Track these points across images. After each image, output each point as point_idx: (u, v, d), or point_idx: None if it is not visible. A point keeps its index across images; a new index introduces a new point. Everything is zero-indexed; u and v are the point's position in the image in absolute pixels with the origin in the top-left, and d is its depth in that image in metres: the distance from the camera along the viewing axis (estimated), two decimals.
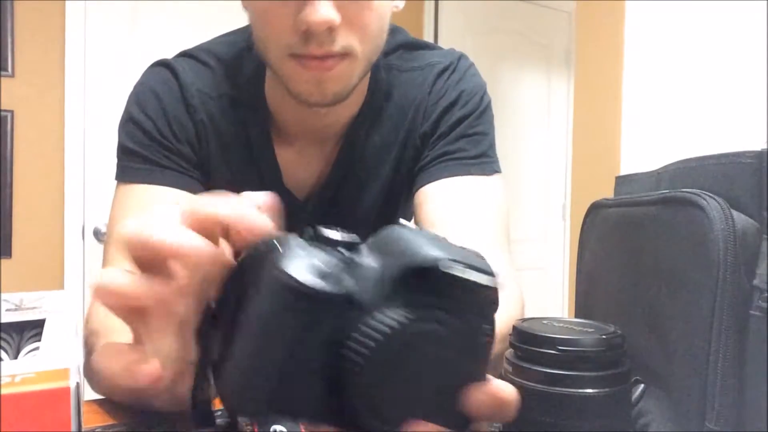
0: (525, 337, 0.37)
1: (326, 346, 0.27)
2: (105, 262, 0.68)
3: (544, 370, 0.35)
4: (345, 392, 0.27)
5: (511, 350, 0.39)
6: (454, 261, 0.28)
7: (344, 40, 0.62)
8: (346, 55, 0.63)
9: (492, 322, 0.29)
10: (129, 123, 0.72)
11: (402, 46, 0.78)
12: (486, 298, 0.28)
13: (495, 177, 0.74)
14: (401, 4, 0.70)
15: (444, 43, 3.06)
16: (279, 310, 0.27)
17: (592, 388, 0.35)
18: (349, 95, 0.68)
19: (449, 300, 0.28)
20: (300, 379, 0.28)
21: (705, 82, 2.06)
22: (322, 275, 0.27)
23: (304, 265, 0.27)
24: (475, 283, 0.28)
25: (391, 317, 0.27)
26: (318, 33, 0.59)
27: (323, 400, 0.28)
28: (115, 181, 0.73)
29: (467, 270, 0.28)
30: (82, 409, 0.34)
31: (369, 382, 0.27)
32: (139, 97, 0.73)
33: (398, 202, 0.82)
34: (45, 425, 0.30)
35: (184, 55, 0.76)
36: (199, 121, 0.73)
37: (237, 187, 0.80)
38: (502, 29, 3.37)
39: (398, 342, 0.27)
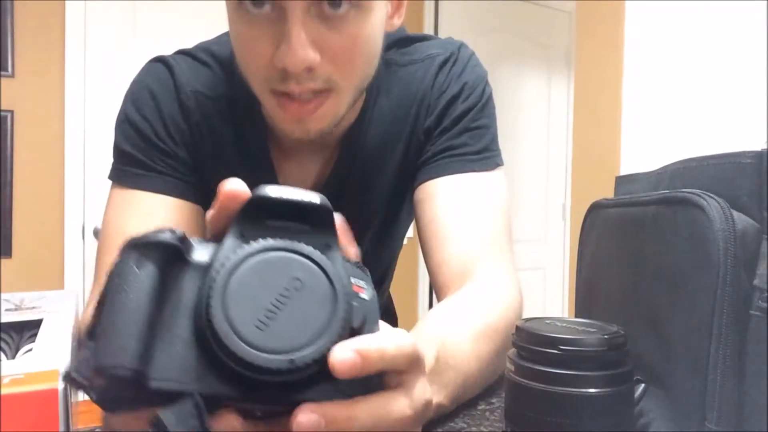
0: (528, 337, 0.37)
1: (194, 310, 0.29)
2: (101, 270, 0.66)
3: (547, 369, 0.36)
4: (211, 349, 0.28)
5: (513, 350, 0.39)
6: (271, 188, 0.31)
7: (326, 74, 0.58)
8: (329, 90, 0.60)
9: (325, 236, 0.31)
10: (125, 123, 0.70)
11: (399, 41, 0.76)
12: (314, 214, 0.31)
13: (497, 171, 0.73)
14: (398, 22, 0.68)
15: None
16: (130, 266, 0.28)
17: (595, 388, 0.35)
18: (336, 125, 0.65)
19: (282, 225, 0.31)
20: (172, 344, 0.28)
21: (705, 82, 2.06)
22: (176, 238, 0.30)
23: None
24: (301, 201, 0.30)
25: (224, 254, 0.29)
26: (296, 73, 0.57)
27: (205, 367, 0.28)
28: (109, 182, 0.71)
29: (284, 189, 0.31)
30: (71, 410, 0.34)
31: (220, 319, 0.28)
32: (135, 96, 0.71)
33: (404, 198, 0.80)
34: (33, 426, 0.30)
35: (183, 53, 0.74)
36: (194, 124, 0.71)
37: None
38: (502, 29, 3.37)
39: (235, 273, 0.28)
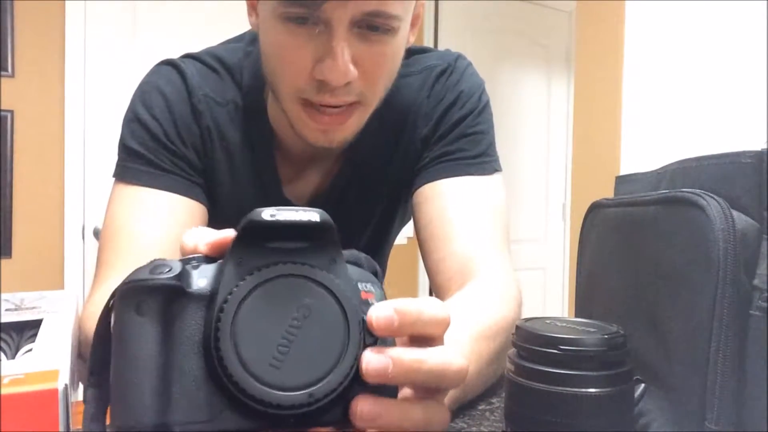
0: (527, 337, 0.37)
1: (203, 347, 0.28)
2: (102, 266, 0.66)
3: (547, 369, 0.36)
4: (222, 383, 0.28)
5: (513, 350, 0.39)
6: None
7: (359, 88, 0.61)
8: (358, 103, 0.63)
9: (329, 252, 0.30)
10: (134, 122, 0.70)
11: None
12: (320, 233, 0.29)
13: (495, 176, 0.74)
14: (413, 38, 0.70)
15: (444, 43, 3.06)
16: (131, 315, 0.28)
17: (595, 388, 0.35)
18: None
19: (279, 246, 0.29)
20: (186, 384, 0.28)
21: (705, 82, 2.06)
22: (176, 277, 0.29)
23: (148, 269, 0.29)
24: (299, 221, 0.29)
25: (225, 287, 0.28)
26: (335, 87, 0.59)
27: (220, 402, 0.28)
28: (113, 179, 0.71)
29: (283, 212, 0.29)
30: (71, 410, 0.34)
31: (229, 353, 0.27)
32: (145, 96, 0.71)
33: (399, 204, 0.82)
34: (33, 426, 0.30)
35: (190, 56, 0.74)
36: (205, 127, 0.71)
37: (240, 196, 0.80)
38: (502, 29, 3.37)
39: (242, 306, 0.28)
